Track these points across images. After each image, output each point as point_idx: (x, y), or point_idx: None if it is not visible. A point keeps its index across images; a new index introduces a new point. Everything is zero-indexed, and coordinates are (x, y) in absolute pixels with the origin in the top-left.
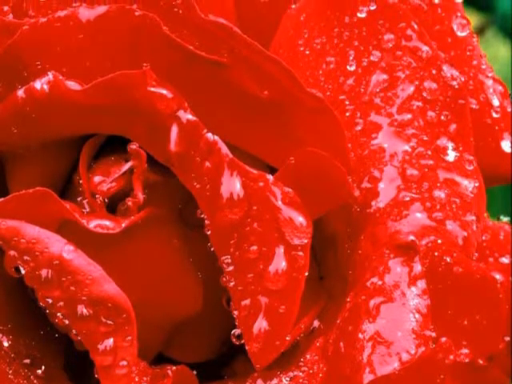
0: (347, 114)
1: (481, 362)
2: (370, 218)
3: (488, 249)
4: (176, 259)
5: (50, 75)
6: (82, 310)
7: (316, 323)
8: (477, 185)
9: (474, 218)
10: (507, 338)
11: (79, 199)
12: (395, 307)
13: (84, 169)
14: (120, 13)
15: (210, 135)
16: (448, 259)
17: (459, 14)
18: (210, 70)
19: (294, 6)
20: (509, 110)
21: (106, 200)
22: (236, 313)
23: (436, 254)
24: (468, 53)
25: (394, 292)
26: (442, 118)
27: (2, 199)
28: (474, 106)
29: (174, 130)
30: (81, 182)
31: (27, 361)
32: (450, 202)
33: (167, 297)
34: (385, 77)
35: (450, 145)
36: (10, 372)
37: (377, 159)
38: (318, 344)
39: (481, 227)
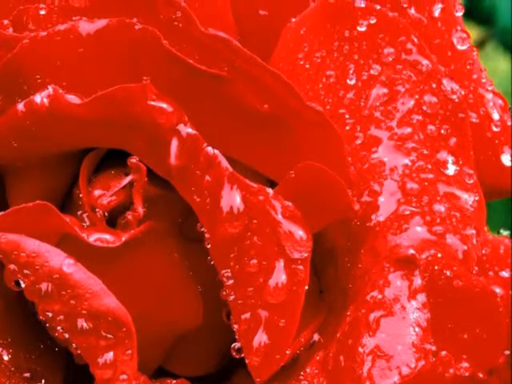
0: (347, 128)
1: (481, 375)
2: (370, 231)
3: (488, 262)
4: (176, 273)
5: (50, 89)
6: (81, 323)
7: (316, 337)
8: (477, 198)
9: (474, 231)
10: (507, 352)
11: (79, 213)
12: (395, 321)
13: (84, 182)
14: (120, 26)
15: (209, 149)
16: (448, 273)
17: (459, 28)
18: (210, 83)
19: (294, 20)
20: (509, 123)
21: (106, 214)
22: (236, 326)
23: (436, 267)
24: (468, 66)
25: (394, 306)
26: (442, 131)
27: (2, 213)
28: (474, 120)
29: (174, 143)
30: (81, 195)
31: (27, 374)
32: (450, 216)
33: (167, 310)
34: (385, 90)
35: (450, 158)
36: None
37: (377, 173)
38: (318, 358)
39: (481, 241)
